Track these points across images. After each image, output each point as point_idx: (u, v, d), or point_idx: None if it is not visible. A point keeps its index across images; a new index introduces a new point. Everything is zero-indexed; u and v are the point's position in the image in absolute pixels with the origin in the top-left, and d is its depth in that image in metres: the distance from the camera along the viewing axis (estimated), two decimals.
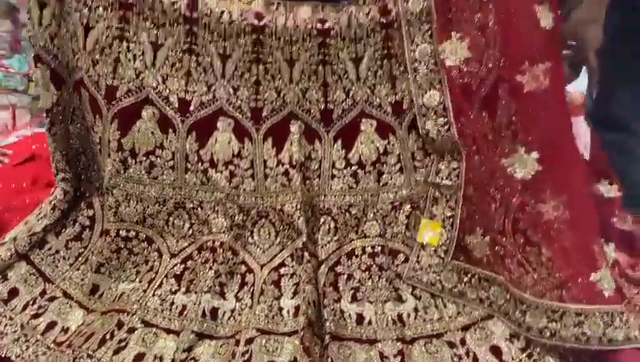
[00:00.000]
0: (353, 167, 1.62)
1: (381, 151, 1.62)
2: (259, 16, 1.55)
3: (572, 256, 1.41)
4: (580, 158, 1.53)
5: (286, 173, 1.60)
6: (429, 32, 1.53)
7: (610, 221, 1.58)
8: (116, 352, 1.33)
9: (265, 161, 1.61)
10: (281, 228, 1.61)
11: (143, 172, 1.55)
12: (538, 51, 1.47)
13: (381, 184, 1.62)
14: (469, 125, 1.57)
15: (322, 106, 1.61)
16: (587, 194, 1.50)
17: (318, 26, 1.56)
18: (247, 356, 1.31)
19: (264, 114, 1.60)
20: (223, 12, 1.53)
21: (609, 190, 1.59)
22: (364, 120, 1.62)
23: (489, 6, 1.55)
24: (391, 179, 1.62)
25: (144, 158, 1.56)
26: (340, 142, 1.63)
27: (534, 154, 1.46)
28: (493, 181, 1.54)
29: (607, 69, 1.63)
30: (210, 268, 1.54)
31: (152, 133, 1.53)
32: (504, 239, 1.48)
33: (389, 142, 1.61)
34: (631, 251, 1.55)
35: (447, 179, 1.56)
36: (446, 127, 1.54)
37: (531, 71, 1.45)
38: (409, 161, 1.61)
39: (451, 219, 1.55)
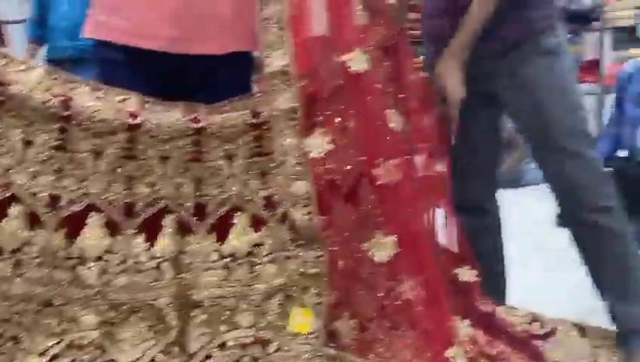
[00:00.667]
0: (226, 260, 1.70)
1: (254, 243, 1.70)
2: (133, 115, 1.63)
3: (431, 336, 1.57)
4: (433, 243, 1.72)
5: (158, 267, 1.63)
6: (296, 128, 1.68)
7: (473, 303, 1.76)
8: None
9: (137, 256, 1.63)
10: (153, 323, 1.63)
11: (9, 269, 1.54)
12: (389, 148, 1.69)
13: (254, 275, 1.69)
14: (336, 216, 1.70)
15: (196, 201, 1.68)
16: (440, 275, 1.68)
17: (192, 125, 1.65)
18: None
19: (136, 208, 1.64)
20: (95, 110, 1.59)
21: (468, 274, 1.78)
22: (237, 213, 1.71)
23: (348, 111, 1.73)
24: (264, 270, 1.69)
25: (10, 256, 1.54)
26: (213, 235, 1.69)
27: (392, 238, 1.63)
28: (361, 268, 1.72)
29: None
30: None
31: (19, 230, 1.53)
32: (372, 324, 1.60)
33: (261, 235, 1.70)
34: (490, 329, 1.73)
35: (314, 267, 1.68)
36: (310, 215, 1.66)
37: (385, 165, 1.66)
38: (281, 252, 1.70)
39: (320, 307, 1.64)
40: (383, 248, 1.66)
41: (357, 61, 1.69)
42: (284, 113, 1.68)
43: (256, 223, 1.71)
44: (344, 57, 1.64)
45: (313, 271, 1.68)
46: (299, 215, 1.67)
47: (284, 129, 1.68)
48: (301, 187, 1.67)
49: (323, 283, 1.66)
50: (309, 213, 1.68)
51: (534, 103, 1.80)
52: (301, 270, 1.69)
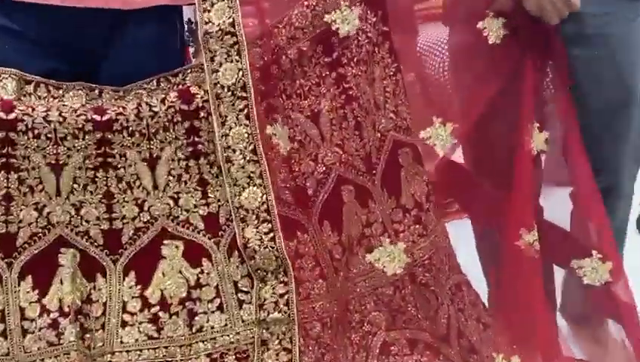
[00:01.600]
0: (153, 309, 1.24)
1: (192, 283, 1.24)
2: (8, 107, 1.12)
3: None
4: None
5: (54, 325, 1.19)
6: (246, 112, 1.20)
7: None
8: None
9: (22, 311, 1.19)
10: None
11: None
12: None
13: (194, 330, 1.24)
14: (308, 241, 1.27)
15: (105, 226, 1.22)
16: None
17: (95, 117, 1.18)
18: None
19: (19, 242, 1.16)
20: None
21: None
22: (166, 242, 1.25)
23: (321, 90, 1.30)
24: (207, 321, 1.24)
25: None
26: (132, 275, 1.25)
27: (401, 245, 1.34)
28: (349, 316, 1.33)
29: None
30: None
31: None
32: None
33: (202, 271, 1.24)
34: None
35: (274, 310, 1.23)
36: (270, 235, 1.21)
37: None
38: (231, 295, 1.23)
39: None
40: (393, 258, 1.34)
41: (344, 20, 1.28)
42: (229, 92, 1.21)
43: (195, 254, 1.26)
44: (326, 17, 1.26)
45: (275, 316, 1.23)
46: (252, 232, 1.21)
47: (229, 114, 1.20)
48: (256, 195, 1.22)
49: (291, 332, 1.22)
50: (268, 233, 1.22)
51: None
52: (262, 316, 1.21)
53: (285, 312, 1.23)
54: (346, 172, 1.33)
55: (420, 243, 1.40)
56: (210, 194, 1.25)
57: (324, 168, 1.30)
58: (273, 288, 1.23)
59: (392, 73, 1.38)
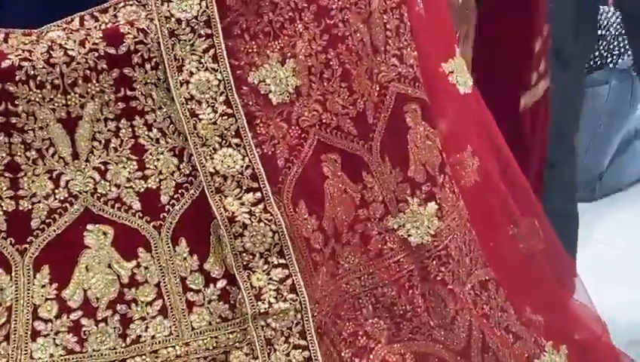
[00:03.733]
0: (74, 315, 1.02)
1: (125, 281, 1.02)
2: None
3: None
4: None
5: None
6: (212, 53, 0.99)
7: None
8: None
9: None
10: None
11: None
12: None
13: (129, 341, 1.02)
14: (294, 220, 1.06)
15: (9, 207, 1.02)
16: None
17: None
18: None
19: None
20: None
21: None
22: (90, 228, 1.03)
23: (297, 27, 1.07)
24: (146, 330, 1.03)
25: None
26: (46, 270, 1.02)
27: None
28: (339, 325, 1.12)
29: None
30: None
31: None
32: None
33: (138, 265, 1.03)
34: None
35: (278, 300, 1.02)
36: (261, 206, 1.01)
37: None
38: (178, 296, 1.03)
39: None
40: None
41: None
42: (188, 27, 0.99)
43: (129, 243, 1.03)
44: None
45: (280, 305, 1.03)
46: (236, 205, 1.01)
47: (188, 57, 0.99)
48: (234, 158, 1.02)
49: (305, 324, 1.03)
50: (258, 204, 1.02)
51: None
52: (261, 309, 1.01)
53: (294, 300, 1.02)
54: (329, 136, 1.08)
55: (434, 228, 1.13)
56: (148, 165, 1.02)
57: (298, 131, 1.06)
58: (268, 273, 1.02)
59: (394, 5, 1.12)
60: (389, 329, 1.13)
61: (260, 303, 1.01)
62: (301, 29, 1.07)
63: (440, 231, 1.15)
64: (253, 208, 1.01)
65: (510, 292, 1.22)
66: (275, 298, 1.02)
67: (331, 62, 1.09)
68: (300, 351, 1.02)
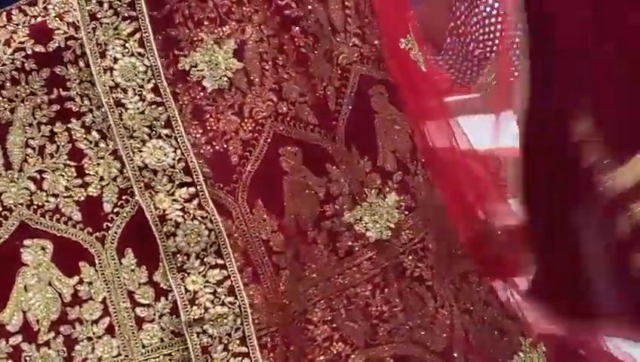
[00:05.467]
0: (13, 340, 0.98)
1: (68, 299, 0.98)
2: None
3: None
4: None
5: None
6: (138, 37, 0.95)
7: None
8: None
9: None
10: None
11: None
12: None
13: None
14: (233, 230, 1.01)
15: None
16: None
17: None
18: None
19: None
20: None
21: None
22: (27, 243, 0.98)
23: (245, 11, 1.02)
24: (92, 351, 0.99)
25: None
26: None
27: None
28: (310, 330, 1.08)
29: None
30: None
31: None
32: None
33: (81, 281, 0.99)
34: None
35: (215, 304, 0.98)
36: (195, 202, 0.96)
37: None
38: (126, 312, 1.00)
39: None
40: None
41: None
42: (111, 10, 0.95)
43: (71, 257, 0.99)
44: None
45: (221, 310, 0.98)
46: (167, 201, 0.97)
47: (111, 41, 0.95)
48: (164, 150, 0.97)
49: (246, 329, 0.98)
50: (192, 199, 0.97)
51: None
52: (196, 315, 0.97)
53: (233, 304, 0.97)
54: (287, 128, 1.02)
55: (409, 220, 1.08)
56: (88, 171, 0.97)
57: (253, 125, 1.00)
58: (204, 275, 0.97)
59: None
60: (366, 332, 1.09)
61: (195, 308, 0.96)
62: (250, 13, 1.01)
63: (415, 225, 1.10)
64: (186, 205, 0.96)
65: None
66: (212, 302, 0.97)
67: (285, 47, 1.03)
68: (240, 359, 0.97)
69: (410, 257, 1.10)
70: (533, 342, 1.18)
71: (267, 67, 1.01)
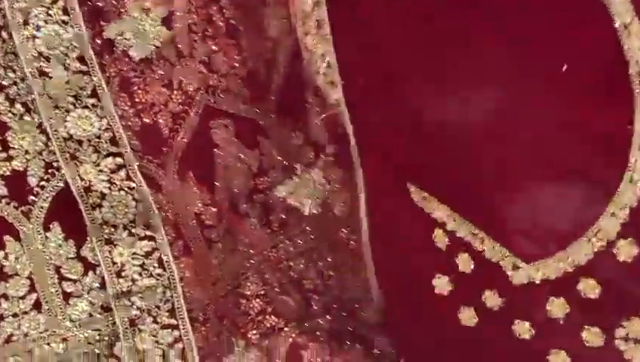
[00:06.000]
0: None
1: None
2: None
3: None
4: None
5: None
6: (63, 3, 0.94)
7: None
8: None
9: None
10: None
11: None
12: None
13: (1, 341, 0.98)
14: (164, 204, 1.01)
15: None
16: None
17: None
18: None
19: None
20: None
21: None
22: None
23: None
24: (18, 327, 0.99)
25: None
26: None
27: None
28: (243, 304, 1.09)
29: None
30: None
31: None
32: None
33: (6, 256, 0.99)
34: None
35: (142, 276, 0.99)
36: (122, 173, 0.97)
37: None
38: (53, 287, 1.00)
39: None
40: None
41: None
42: None
43: None
44: None
45: (148, 282, 0.98)
46: (98, 177, 0.97)
47: (34, 8, 0.93)
48: (90, 120, 0.96)
49: (176, 301, 0.98)
50: (118, 170, 0.97)
51: None
52: (123, 288, 0.98)
53: (161, 276, 0.98)
54: (218, 100, 1.02)
55: (343, 193, 1.08)
56: (13, 144, 0.95)
57: (182, 97, 1.00)
58: (131, 247, 0.97)
59: None
60: (300, 305, 1.09)
61: (122, 280, 0.97)
62: None
63: (334, 197, 1.11)
64: (113, 176, 0.96)
65: None
66: (140, 274, 0.98)
67: (214, 19, 1.02)
68: (170, 330, 0.98)
69: (343, 230, 1.10)
70: None
71: (196, 38, 1.01)
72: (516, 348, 0.94)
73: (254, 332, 1.07)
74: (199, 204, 1.02)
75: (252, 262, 1.08)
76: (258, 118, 1.07)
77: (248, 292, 1.08)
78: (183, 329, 0.97)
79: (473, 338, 0.99)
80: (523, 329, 0.93)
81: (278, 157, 1.08)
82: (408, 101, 0.95)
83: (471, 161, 0.92)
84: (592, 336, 0.88)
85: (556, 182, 0.87)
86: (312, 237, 1.10)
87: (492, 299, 0.95)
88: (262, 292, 1.08)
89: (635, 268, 0.83)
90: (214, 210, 1.03)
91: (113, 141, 0.96)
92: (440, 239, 0.97)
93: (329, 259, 1.10)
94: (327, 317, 1.11)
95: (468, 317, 0.97)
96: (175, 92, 1.01)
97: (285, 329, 1.08)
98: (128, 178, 0.96)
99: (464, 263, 0.96)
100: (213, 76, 1.03)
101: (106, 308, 0.98)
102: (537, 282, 0.90)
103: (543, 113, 0.84)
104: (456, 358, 1.02)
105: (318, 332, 1.10)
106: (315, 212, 1.07)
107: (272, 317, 1.08)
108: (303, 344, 1.08)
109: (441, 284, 0.99)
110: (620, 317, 0.86)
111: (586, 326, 0.88)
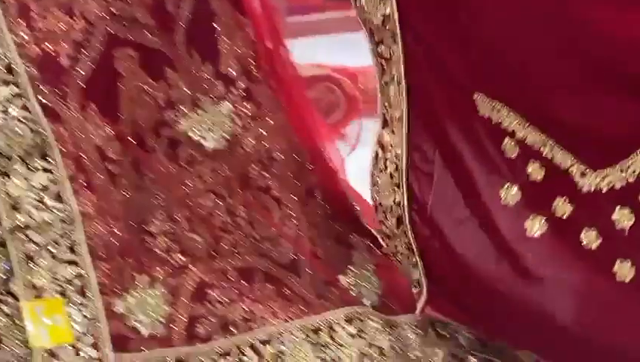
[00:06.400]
0: None
1: None
2: None
3: None
4: None
5: None
6: None
7: None
8: None
9: None
10: None
11: None
12: None
13: None
14: (66, 136, 0.99)
15: None
16: None
17: None
18: None
19: None
20: None
21: None
22: None
23: None
24: None
25: None
26: None
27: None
28: (149, 241, 1.07)
29: None
30: None
31: None
32: None
33: None
34: None
35: (38, 209, 0.96)
36: (20, 101, 0.95)
37: None
38: None
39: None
40: None
41: None
42: None
43: None
44: None
45: (47, 215, 0.95)
46: None
47: None
48: None
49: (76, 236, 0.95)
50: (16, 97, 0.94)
51: None
52: (15, 222, 0.95)
53: (60, 210, 0.95)
54: (122, 29, 0.99)
55: (253, 129, 1.06)
56: None
57: (84, 24, 0.96)
58: (27, 179, 0.94)
59: None
60: (208, 243, 1.07)
61: (17, 214, 0.93)
62: None
63: (261, 135, 1.09)
64: (8, 105, 0.93)
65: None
66: (37, 208, 0.94)
67: None
68: (67, 266, 0.95)
69: (255, 167, 1.08)
70: (365, 258, 1.19)
71: None
72: (583, 257, 0.94)
73: (160, 270, 1.05)
74: (102, 137, 0.99)
75: (159, 198, 1.05)
76: (165, 49, 1.04)
77: (154, 230, 1.06)
78: (83, 265, 0.94)
79: (539, 250, 0.98)
80: (590, 237, 0.93)
81: (186, 91, 1.05)
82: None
83: (536, 67, 0.91)
84: None
85: (617, 92, 0.87)
86: (222, 173, 1.07)
87: (562, 207, 0.95)
88: (169, 230, 1.06)
89: None
90: (118, 144, 1.00)
91: (8, 69, 0.92)
92: (510, 148, 0.96)
93: (239, 197, 1.08)
94: (237, 256, 1.09)
95: (537, 226, 0.97)
96: (76, 19, 0.98)
97: (192, 267, 1.06)
98: (25, 108, 0.92)
99: (535, 171, 0.95)
100: (116, 4, 1.00)
101: (2, 244, 0.95)
102: (604, 191, 0.90)
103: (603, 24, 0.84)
104: (516, 273, 1.01)
105: (226, 272, 1.08)
106: (220, 147, 1.05)
107: (179, 255, 1.06)
108: (211, 283, 1.06)
109: (510, 194, 0.98)
110: None
111: None
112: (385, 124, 1.03)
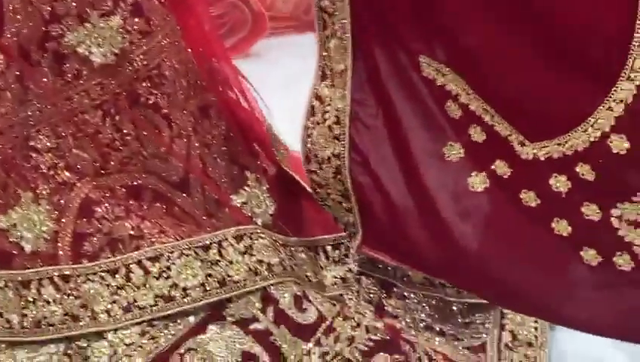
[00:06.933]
0: None
1: None
2: None
3: None
4: None
5: None
6: None
7: None
8: None
9: None
10: None
11: None
12: None
13: None
14: None
15: None
16: None
17: None
18: None
19: None
20: None
21: None
22: None
23: None
24: None
25: None
26: None
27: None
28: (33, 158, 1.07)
29: None
30: None
31: None
32: None
33: None
34: None
35: None
36: None
37: None
38: None
39: None
40: None
41: None
42: None
43: None
44: None
45: None
46: None
47: None
48: None
49: None
50: None
51: None
52: None
53: None
54: None
55: (142, 45, 1.05)
56: None
57: None
58: None
59: None
60: (95, 161, 1.07)
61: None
62: None
63: (150, 51, 1.08)
64: None
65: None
66: None
67: None
68: None
69: (144, 84, 1.08)
70: (259, 178, 1.21)
71: None
72: (523, 214, 0.98)
73: (45, 187, 1.04)
74: None
75: (44, 113, 1.04)
76: None
77: (39, 146, 1.04)
78: None
79: (478, 204, 1.02)
80: (530, 197, 0.96)
81: (72, 3, 1.03)
82: None
83: (480, 39, 0.92)
84: (590, 211, 0.93)
85: (557, 69, 0.89)
86: (109, 89, 1.06)
87: (502, 168, 0.97)
88: (54, 146, 1.05)
89: (627, 160, 0.87)
90: (3, 56, 0.98)
91: None
92: (453, 110, 0.97)
93: (127, 114, 1.08)
94: (125, 173, 1.09)
95: (479, 181, 0.99)
96: None
97: (78, 184, 1.05)
98: None
99: (477, 134, 0.97)
100: None
101: None
102: (542, 159, 0.93)
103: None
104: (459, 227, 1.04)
105: (114, 189, 1.08)
106: (108, 63, 1.04)
107: (65, 172, 1.05)
108: (98, 200, 1.06)
109: (453, 152, 1.00)
110: (614, 201, 0.91)
111: (585, 203, 0.93)
112: (324, 77, 1.04)
